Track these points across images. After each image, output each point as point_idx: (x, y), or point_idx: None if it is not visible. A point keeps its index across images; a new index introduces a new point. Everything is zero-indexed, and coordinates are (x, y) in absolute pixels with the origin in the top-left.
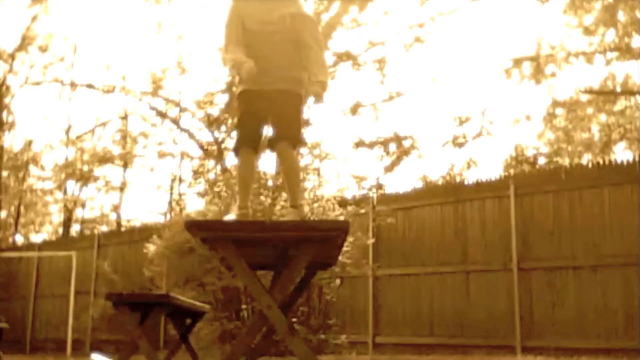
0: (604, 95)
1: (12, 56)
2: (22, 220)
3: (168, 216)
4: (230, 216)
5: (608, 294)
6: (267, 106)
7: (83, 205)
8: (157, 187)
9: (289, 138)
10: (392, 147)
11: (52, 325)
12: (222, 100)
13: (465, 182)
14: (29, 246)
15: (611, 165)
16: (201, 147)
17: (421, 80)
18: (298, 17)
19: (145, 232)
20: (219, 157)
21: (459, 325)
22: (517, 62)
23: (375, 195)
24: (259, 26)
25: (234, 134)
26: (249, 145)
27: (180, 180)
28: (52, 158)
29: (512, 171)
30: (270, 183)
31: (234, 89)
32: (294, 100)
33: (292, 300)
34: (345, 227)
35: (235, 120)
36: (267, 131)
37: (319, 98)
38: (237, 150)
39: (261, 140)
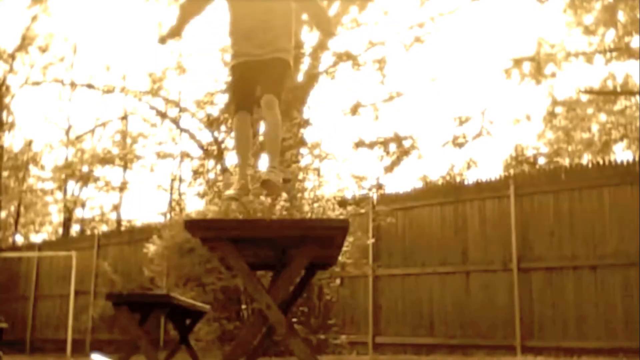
0: (604, 95)
1: (12, 56)
2: (22, 220)
3: (168, 216)
4: (230, 191)
5: (608, 294)
6: (256, 73)
7: (83, 205)
8: (157, 187)
9: (274, 92)
10: (392, 147)
11: (52, 325)
12: (222, 100)
13: (465, 182)
14: (29, 246)
15: (611, 165)
16: (201, 147)
17: (421, 80)
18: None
19: (145, 232)
20: (219, 157)
21: (459, 325)
22: (517, 62)
23: (375, 195)
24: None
25: (234, 134)
26: (243, 107)
27: (180, 181)
28: (52, 158)
29: (512, 171)
30: None
31: (230, 92)
32: (281, 65)
33: (292, 300)
34: (345, 226)
35: (228, 90)
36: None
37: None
38: (233, 114)
39: (254, 102)
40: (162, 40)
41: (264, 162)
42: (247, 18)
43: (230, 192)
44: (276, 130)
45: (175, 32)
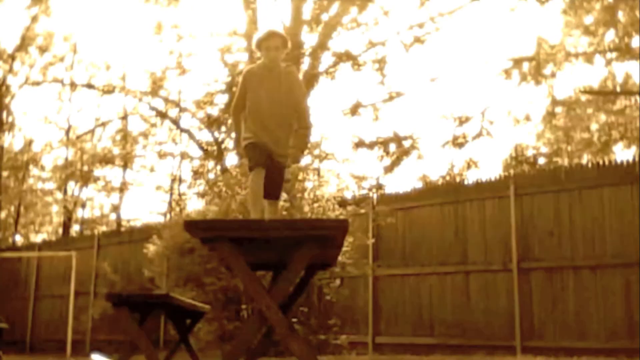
0: (604, 95)
1: (12, 56)
2: (22, 220)
3: (168, 216)
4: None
5: (608, 294)
6: (270, 162)
7: (83, 206)
8: (157, 188)
9: (278, 197)
10: (392, 147)
11: (52, 325)
12: (222, 100)
13: (465, 182)
14: (29, 246)
15: (611, 165)
16: (201, 147)
17: (421, 80)
18: (302, 104)
19: (145, 232)
20: (219, 157)
21: (459, 325)
22: (517, 62)
23: (375, 195)
24: (268, 97)
25: (234, 134)
26: (260, 164)
27: (180, 181)
28: (52, 158)
29: (512, 171)
30: None
31: (234, 88)
32: (283, 170)
33: (291, 300)
34: (345, 226)
35: (245, 152)
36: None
37: (295, 160)
38: (251, 168)
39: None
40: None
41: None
42: (263, 111)
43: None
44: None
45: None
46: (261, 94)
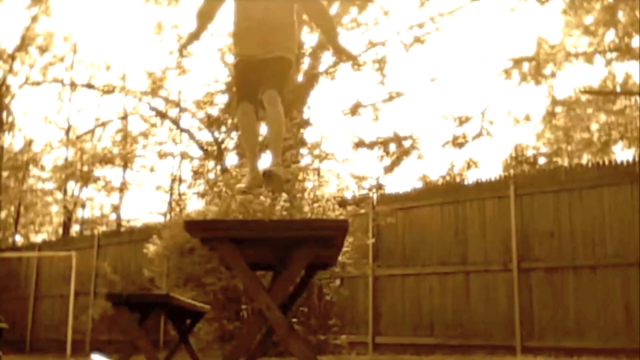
0: (604, 95)
1: (12, 56)
2: (22, 220)
3: (168, 216)
4: (241, 185)
5: (608, 294)
6: (259, 71)
7: (83, 206)
8: (157, 188)
9: (276, 88)
10: (392, 147)
11: (52, 325)
12: (222, 100)
13: (465, 182)
14: (29, 246)
15: (611, 165)
16: (201, 147)
17: (421, 80)
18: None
19: (145, 232)
20: (219, 157)
21: (459, 325)
22: (517, 62)
23: (375, 195)
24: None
25: (235, 134)
26: (246, 98)
27: (181, 181)
28: (52, 158)
29: (512, 171)
30: None
31: (234, 88)
32: (283, 64)
33: (291, 301)
34: (345, 227)
35: (233, 86)
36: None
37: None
38: (237, 105)
39: (257, 96)
40: (183, 47)
41: (266, 160)
42: (249, 17)
43: (242, 185)
44: (279, 127)
45: (195, 37)
46: None
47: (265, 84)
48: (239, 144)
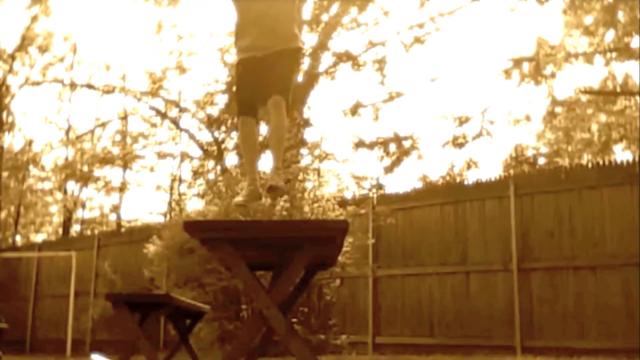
0: (604, 95)
1: (12, 56)
2: (22, 220)
3: (168, 216)
4: (239, 198)
5: (608, 294)
6: (263, 71)
7: (83, 206)
8: (157, 188)
9: (282, 92)
10: (392, 147)
11: (52, 325)
12: (222, 100)
13: (465, 182)
14: (29, 246)
15: (611, 165)
16: (201, 147)
17: (421, 80)
18: None
19: (145, 233)
20: (219, 157)
21: (459, 325)
22: (517, 63)
23: (375, 196)
24: None
25: (234, 134)
26: (246, 113)
27: (180, 181)
28: (52, 158)
29: (512, 171)
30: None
31: (234, 88)
32: (289, 57)
33: (291, 301)
34: (345, 227)
35: (234, 89)
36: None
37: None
38: (237, 115)
39: (258, 103)
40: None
41: (266, 162)
42: (249, 10)
43: (239, 199)
44: (282, 132)
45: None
46: None
47: (272, 88)
48: (238, 144)
